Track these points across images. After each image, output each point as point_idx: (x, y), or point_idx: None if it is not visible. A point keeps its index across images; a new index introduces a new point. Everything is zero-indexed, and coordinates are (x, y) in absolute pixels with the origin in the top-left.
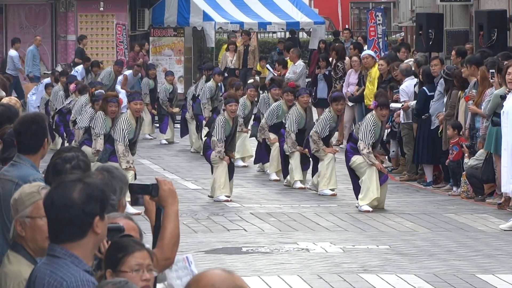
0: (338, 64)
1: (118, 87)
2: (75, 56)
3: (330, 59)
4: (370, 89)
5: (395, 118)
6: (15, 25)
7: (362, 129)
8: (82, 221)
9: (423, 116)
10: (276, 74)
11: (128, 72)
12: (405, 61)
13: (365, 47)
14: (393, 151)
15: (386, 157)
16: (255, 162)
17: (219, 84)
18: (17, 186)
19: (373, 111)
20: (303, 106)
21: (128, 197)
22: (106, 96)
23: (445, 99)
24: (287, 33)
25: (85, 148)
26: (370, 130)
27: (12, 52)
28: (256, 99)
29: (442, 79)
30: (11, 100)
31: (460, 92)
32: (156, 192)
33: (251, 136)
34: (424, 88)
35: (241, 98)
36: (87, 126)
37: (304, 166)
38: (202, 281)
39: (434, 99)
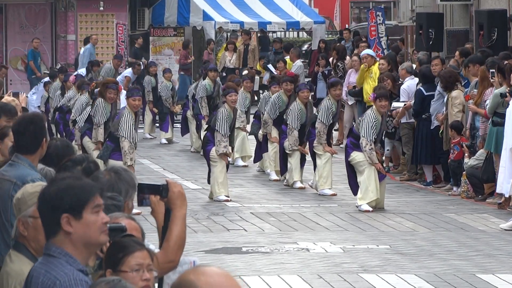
0: (339, 64)
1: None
2: (130, 55)
3: (331, 58)
4: (372, 85)
5: (395, 120)
6: (15, 24)
7: (363, 125)
8: (50, 217)
9: (423, 116)
10: (276, 73)
11: (128, 73)
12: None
13: None
14: (387, 150)
15: (384, 157)
16: (255, 161)
17: (217, 80)
18: (15, 186)
19: (373, 107)
20: (303, 101)
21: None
22: (105, 81)
23: (445, 99)
24: (286, 32)
25: (86, 142)
26: (371, 126)
27: (84, 49)
28: (252, 89)
29: None
30: (7, 99)
31: (447, 92)
32: (166, 193)
33: (250, 134)
34: (421, 88)
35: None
36: (90, 116)
37: (301, 163)
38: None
39: (434, 99)
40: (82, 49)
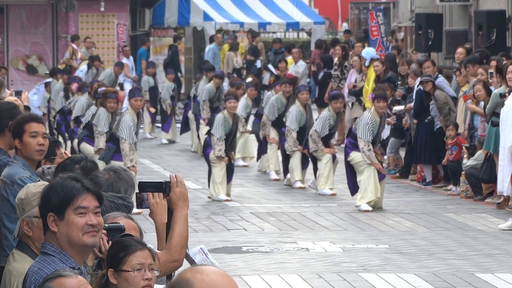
0: (346, 64)
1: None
2: (248, 53)
3: (336, 58)
4: (367, 89)
5: (404, 125)
6: (16, 25)
7: (360, 126)
8: (42, 215)
9: (426, 120)
10: (276, 73)
11: (128, 61)
12: None
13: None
14: (391, 152)
15: (386, 156)
16: (258, 159)
17: (221, 86)
18: (5, 185)
19: (371, 108)
20: (302, 103)
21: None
22: (105, 92)
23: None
24: (286, 34)
25: (84, 146)
26: (368, 128)
27: (207, 49)
28: (255, 97)
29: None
30: (10, 99)
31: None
32: (169, 189)
33: (251, 133)
34: (420, 87)
35: (242, 98)
36: (88, 123)
37: (303, 165)
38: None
39: (432, 102)
40: (207, 49)
